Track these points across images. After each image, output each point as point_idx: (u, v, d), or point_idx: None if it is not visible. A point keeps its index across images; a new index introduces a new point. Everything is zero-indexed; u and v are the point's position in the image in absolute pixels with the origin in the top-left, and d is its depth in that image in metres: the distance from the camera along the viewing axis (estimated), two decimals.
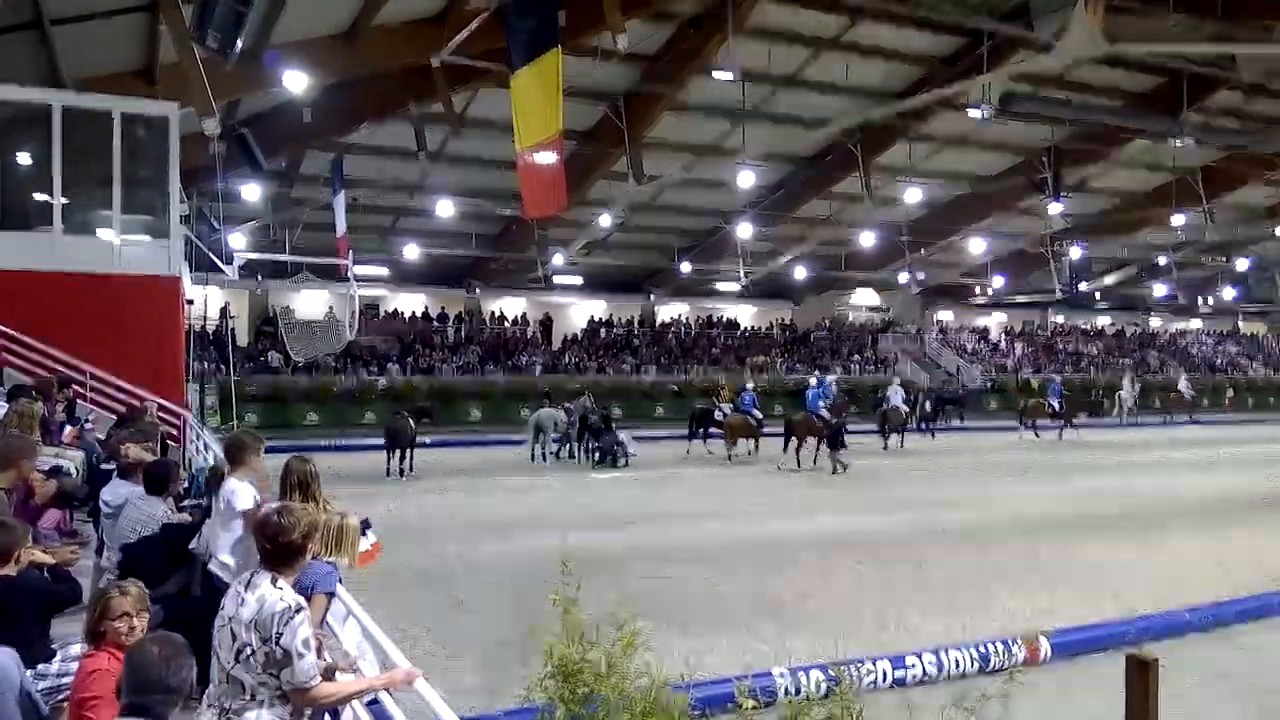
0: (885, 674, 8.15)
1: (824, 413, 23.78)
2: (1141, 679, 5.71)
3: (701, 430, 26.05)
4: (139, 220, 16.20)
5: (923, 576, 11.94)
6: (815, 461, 22.96)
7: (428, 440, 22.81)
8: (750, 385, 27.15)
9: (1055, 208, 34.08)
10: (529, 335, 39.82)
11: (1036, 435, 31.53)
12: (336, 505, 5.89)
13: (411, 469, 20.81)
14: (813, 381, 26.40)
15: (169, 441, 12.16)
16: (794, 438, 23.58)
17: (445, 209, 30.19)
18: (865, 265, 41.34)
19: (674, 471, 22.51)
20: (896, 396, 29.25)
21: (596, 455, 23.76)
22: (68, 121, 15.19)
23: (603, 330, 41.54)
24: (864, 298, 47.52)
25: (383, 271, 36.89)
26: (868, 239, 36.17)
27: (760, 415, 25.32)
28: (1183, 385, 42.19)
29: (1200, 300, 49.03)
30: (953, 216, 36.97)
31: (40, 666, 4.97)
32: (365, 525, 5.97)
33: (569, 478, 21.46)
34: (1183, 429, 37.63)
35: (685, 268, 38.88)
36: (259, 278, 32.99)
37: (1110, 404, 37.40)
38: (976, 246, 38.72)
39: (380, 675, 4.75)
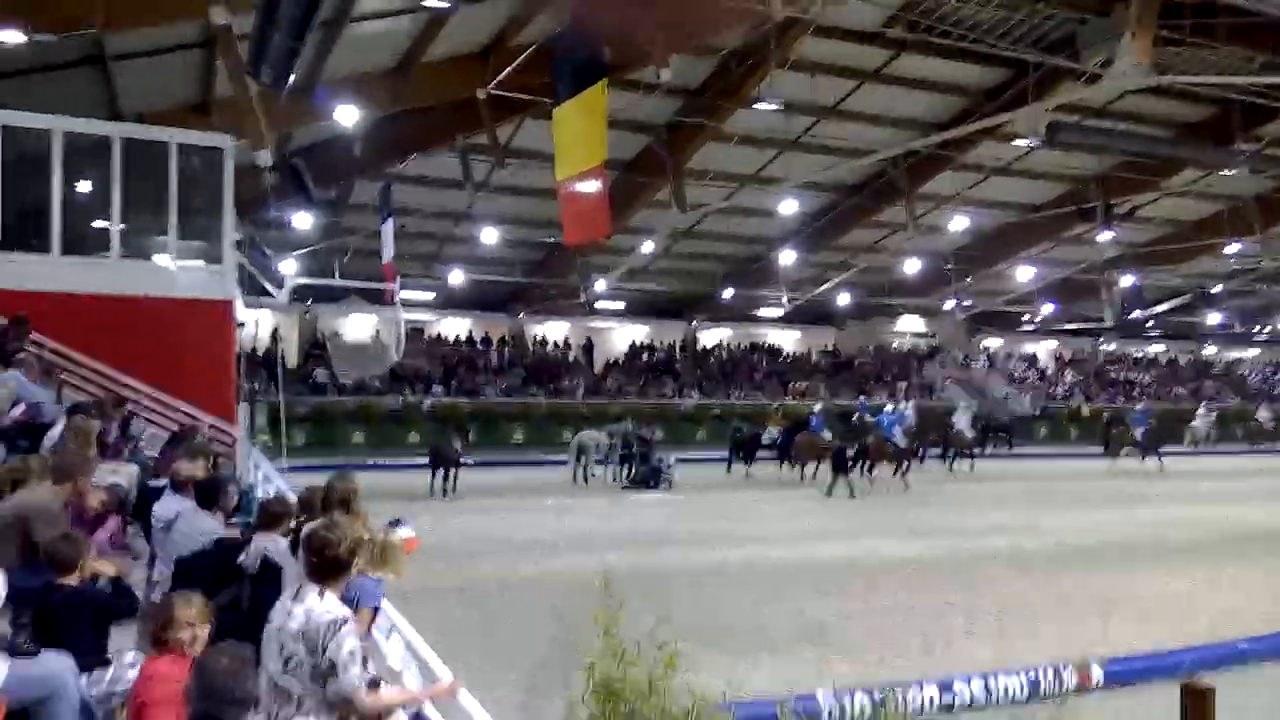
0: (932, 699, 7.99)
1: (899, 439, 24.16)
2: (1197, 707, 5.54)
3: (744, 454, 26.08)
4: (193, 246, 16.48)
5: (971, 602, 11.76)
6: (872, 481, 23.48)
7: (470, 460, 23.08)
8: (818, 408, 27.48)
9: (1105, 236, 33.46)
10: (571, 359, 39.99)
11: (1114, 461, 31.00)
12: (373, 522, 5.97)
13: (455, 489, 20.99)
14: (889, 408, 26.58)
15: (219, 459, 12.33)
16: (867, 460, 24.03)
17: (490, 236, 30.60)
18: (910, 292, 40.83)
19: (716, 495, 22.50)
20: (963, 420, 29.47)
21: (638, 478, 23.83)
22: (127, 152, 15.52)
23: (644, 354, 41.54)
24: (909, 324, 47.07)
25: (428, 296, 37.07)
26: (913, 266, 35.87)
27: (829, 436, 25.45)
28: (1263, 414, 41.29)
29: (1256, 328, 48.10)
30: (1000, 244, 36.61)
31: (95, 673, 5.05)
32: (396, 523, 6.06)
33: (610, 499, 21.48)
34: (1250, 458, 36.72)
35: (728, 293, 38.66)
36: (308, 302, 33.26)
37: (1185, 434, 37.25)
38: (1024, 274, 38.30)
39: (424, 688, 4.77)
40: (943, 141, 26.14)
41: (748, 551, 14.77)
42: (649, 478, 23.47)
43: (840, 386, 41.11)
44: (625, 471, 24.32)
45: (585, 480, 23.82)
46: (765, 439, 26.12)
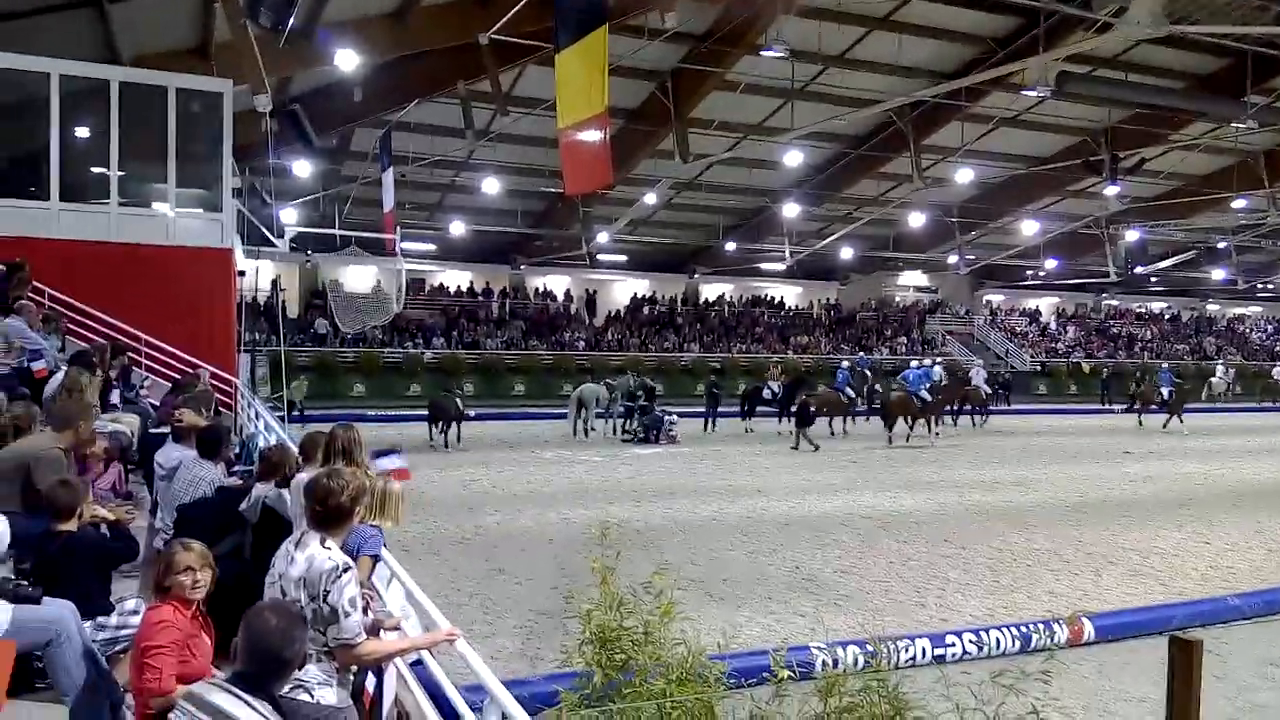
0: (924, 651, 8.10)
1: (925, 394, 24.30)
2: (1185, 659, 5.56)
3: (745, 409, 26.14)
4: (193, 194, 16.41)
5: (964, 557, 11.80)
6: (908, 439, 23.60)
7: (472, 414, 23.10)
8: (845, 364, 27.33)
9: (1112, 190, 33.10)
10: (572, 311, 39.65)
11: (1140, 423, 30.78)
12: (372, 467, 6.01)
13: (459, 440, 21.22)
14: (913, 364, 26.67)
15: (221, 409, 12.37)
16: (890, 416, 24.14)
17: (491, 186, 30.15)
18: (914, 246, 40.44)
19: (716, 448, 22.37)
20: (979, 377, 29.81)
21: (640, 431, 23.74)
22: (125, 97, 15.36)
23: (646, 307, 41.07)
24: (912, 279, 46.47)
25: (430, 247, 36.74)
26: (917, 220, 35.32)
27: (853, 393, 25.57)
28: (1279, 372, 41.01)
29: (1259, 284, 47.91)
30: (1005, 197, 36.11)
31: (99, 619, 5.11)
32: (386, 453, 6.21)
33: (610, 452, 21.41)
34: (1260, 416, 36.61)
35: (730, 246, 38.22)
36: (309, 251, 33.05)
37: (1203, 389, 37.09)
38: (1029, 228, 37.83)
39: (423, 635, 4.83)
40: (951, 91, 25.74)
41: (746, 505, 14.74)
42: (651, 429, 23.41)
43: (841, 341, 40.83)
44: (625, 425, 24.27)
45: (585, 434, 23.77)
46: (765, 394, 26.10)
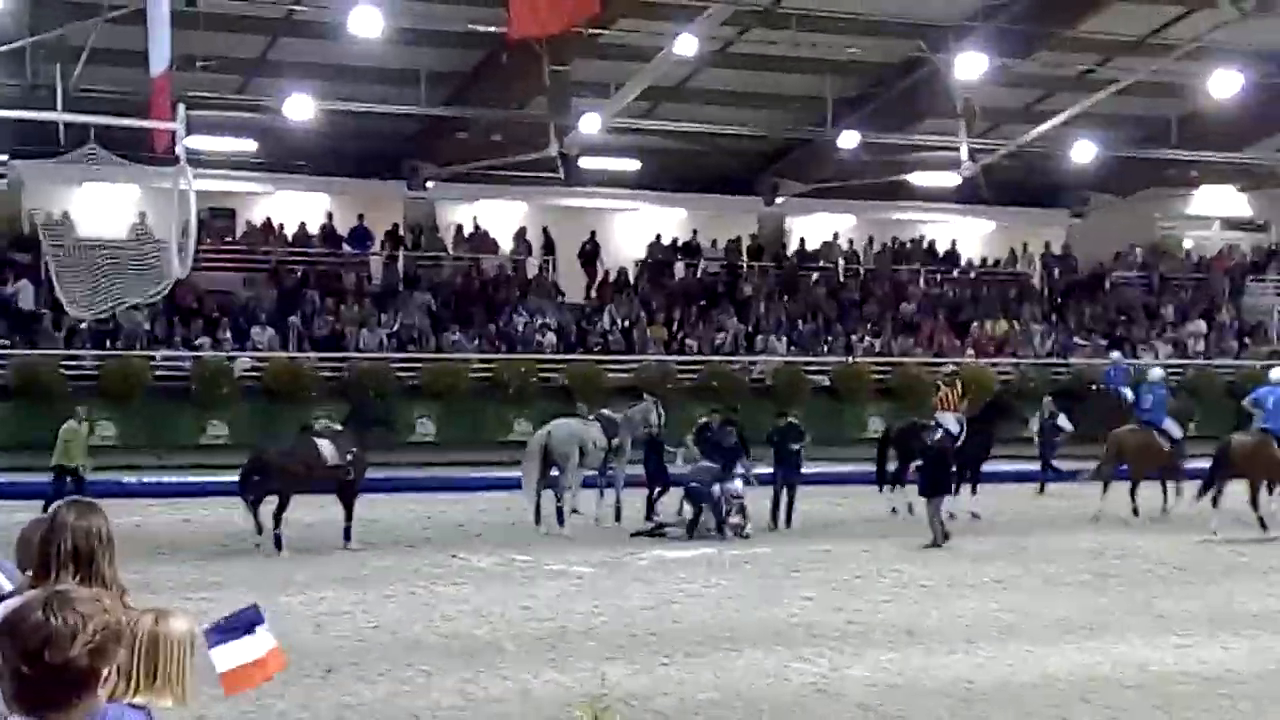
0: None
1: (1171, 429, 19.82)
2: None
3: (900, 467, 20.14)
4: None
5: None
6: (1165, 508, 19.33)
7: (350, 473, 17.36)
8: (1156, 374, 21.47)
9: None
10: (532, 274, 28.72)
11: None
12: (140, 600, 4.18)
13: (349, 537, 16.50)
14: (1274, 374, 19.71)
15: None
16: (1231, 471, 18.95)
17: (367, 22, 22.23)
18: (1220, 139, 29.08)
19: (817, 548, 17.11)
20: None
21: (689, 516, 18.56)
22: None
23: (679, 264, 29.60)
24: (1216, 202, 34.11)
25: (245, 146, 26.75)
26: (1226, 83, 25.09)
27: (1179, 431, 20.06)
28: None
29: None
30: None
31: None
32: (239, 623, 4.52)
33: (612, 554, 16.67)
34: None
35: (847, 141, 26.74)
36: (6, 158, 25.48)
37: None
38: None
39: None
40: None
41: (874, 661, 11.16)
42: (705, 511, 17.76)
43: (1079, 326, 30.08)
44: (647, 501, 19.01)
45: (560, 518, 18.23)
46: (934, 437, 19.04)
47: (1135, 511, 19.09)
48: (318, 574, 14.61)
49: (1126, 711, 9.34)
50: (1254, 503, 17.71)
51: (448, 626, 12.36)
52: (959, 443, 18.96)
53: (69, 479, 17.73)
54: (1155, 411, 20.18)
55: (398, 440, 23.06)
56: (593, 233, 30.09)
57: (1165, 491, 19.59)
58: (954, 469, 18.51)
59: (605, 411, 19.57)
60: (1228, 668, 10.65)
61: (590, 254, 29.17)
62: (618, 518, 18.66)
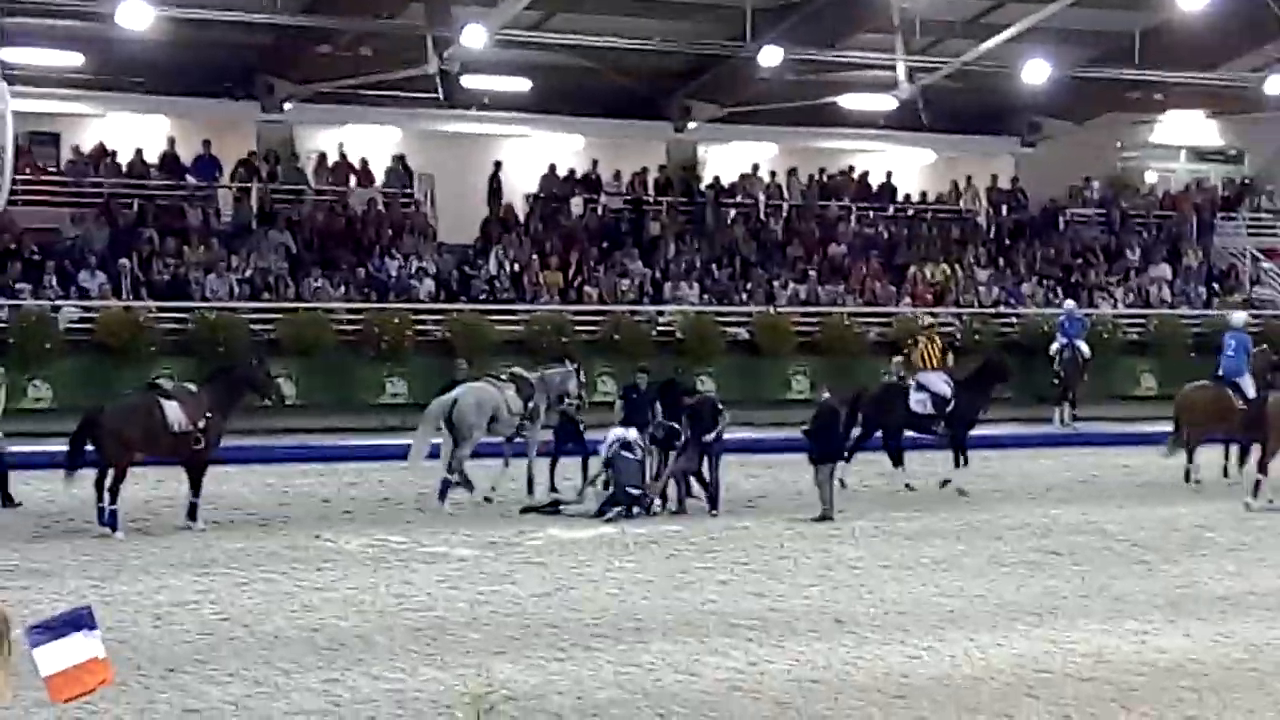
0: None
1: (1248, 386, 19.39)
2: None
3: (885, 437, 19.33)
4: None
5: None
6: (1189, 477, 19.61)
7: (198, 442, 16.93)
8: (1238, 319, 21.53)
9: None
10: (410, 208, 27.31)
11: None
12: None
13: (194, 515, 16.08)
14: (1233, 319, 21.95)
15: None
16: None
17: None
18: (1185, 56, 28.23)
19: (740, 525, 16.91)
20: None
21: (601, 494, 18.07)
22: None
23: (576, 200, 28.23)
24: (1183, 129, 33.28)
25: (71, 60, 25.73)
26: None
27: (1253, 389, 19.18)
28: None
29: None
30: None
31: None
32: (68, 624, 4.65)
33: (500, 534, 16.44)
34: None
35: (769, 57, 25.56)
36: None
37: None
38: None
39: None
40: None
41: (797, 653, 11.00)
42: (626, 494, 17.24)
43: (1029, 270, 29.50)
44: (606, 481, 17.83)
45: (441, 494, 17.64)
46: (919, 402, 18.71)
47: (1225, 472, 18.79)
48: (158, 558, 14.30)
49: (1079, 707, 9.17)
50: (1187, 452, 18.40)
51: (310, 618, 12.00)
52: (949, 408, 18.38)
53: None
54: (1237, 357, 19.38)
55: (254, 406, 20.39)
56: (497, 163, 27.82)
57: (1227, 456, 19.15)
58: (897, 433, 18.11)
59: (518, 370, 18.78)
60: (1190, 656, 10.57)
61: (495, 188, 26.98)
62: (530, 490, 17.82)
